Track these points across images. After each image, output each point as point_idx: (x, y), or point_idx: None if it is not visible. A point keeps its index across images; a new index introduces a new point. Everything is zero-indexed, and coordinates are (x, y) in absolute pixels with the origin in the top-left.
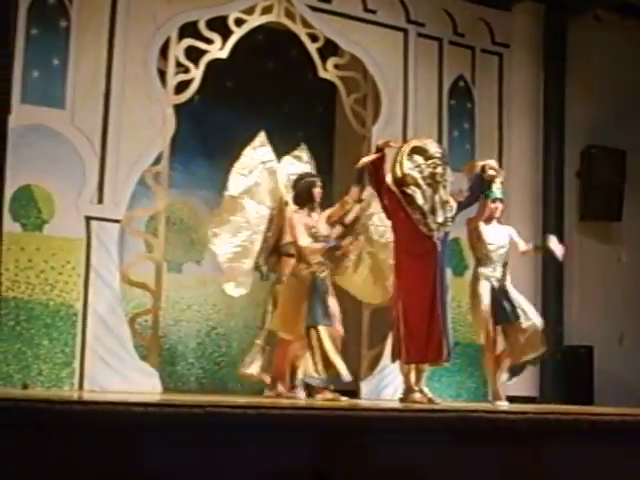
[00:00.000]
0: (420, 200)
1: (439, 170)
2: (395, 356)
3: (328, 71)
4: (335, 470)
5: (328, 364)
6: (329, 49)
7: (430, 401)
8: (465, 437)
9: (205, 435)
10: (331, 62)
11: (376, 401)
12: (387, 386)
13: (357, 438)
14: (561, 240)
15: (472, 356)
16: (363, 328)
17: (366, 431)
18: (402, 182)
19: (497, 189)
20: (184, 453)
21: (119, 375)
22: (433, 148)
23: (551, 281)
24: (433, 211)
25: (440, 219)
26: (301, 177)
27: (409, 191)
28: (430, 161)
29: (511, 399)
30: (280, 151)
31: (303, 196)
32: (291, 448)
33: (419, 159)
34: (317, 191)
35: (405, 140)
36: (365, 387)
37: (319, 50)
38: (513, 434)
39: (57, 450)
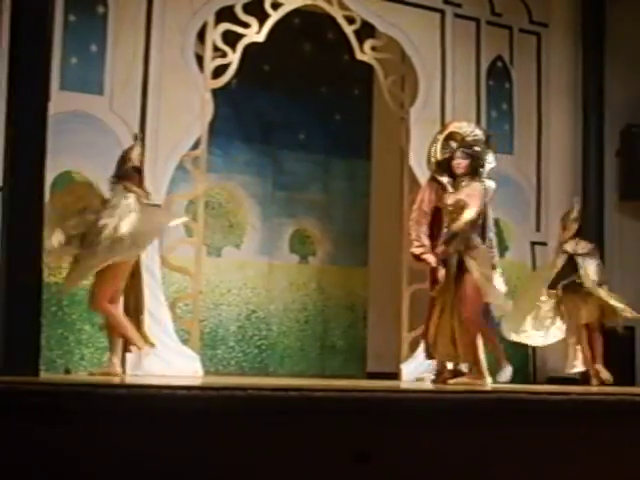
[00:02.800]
0: (450, 188)
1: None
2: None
3: (365, 53)
4: (377, 452)
5: None
6: (366, 31)
7: (470, 383)
8: (506, 418)
9: (247, 418)
10: (368, 44)
11: (417, 383)
12: (428, 368)
13: (399, 420)
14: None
15: None
16: (403, 311)
17: (407, 413)
18: (436, 169)
19: None
20: (227, 436)
21: (160, 359)
22: (471, 134)
23: None
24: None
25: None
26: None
27: (440, 178)
28: (467, 148)
29: (553, 380)
30: (317, 135)
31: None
32: (333, 430)
33: (454, 145)
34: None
35: (443, 122)
36: (406, 369)
37: (356, 32)
38: (555, 415)
39: (101, 434)
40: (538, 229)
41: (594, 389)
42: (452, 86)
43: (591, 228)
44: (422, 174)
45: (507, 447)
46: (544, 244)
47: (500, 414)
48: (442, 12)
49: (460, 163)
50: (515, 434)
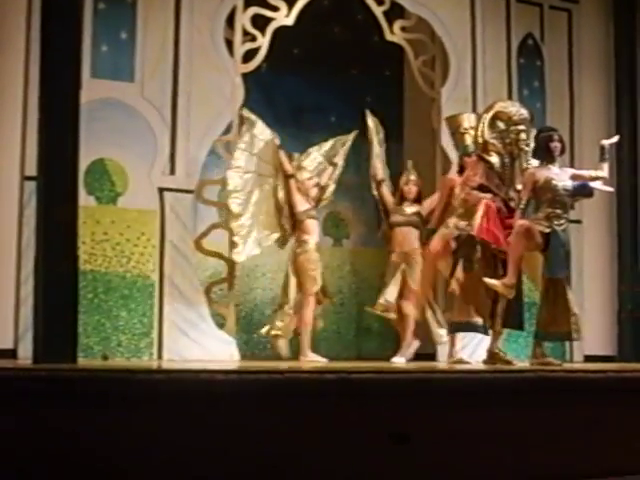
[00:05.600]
0: (499, 168)
1: (522, 136)
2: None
3: (395, 34)
4: (415, 432)
5: None
6: (395, 12)
7: (508, 362)
8: (544, 397)
9: (285, 401)
10: (398, 25)
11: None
12: (464, 348)
13: (436, 401)
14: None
15: None
16: (439, 292)
17: (445, 393)
18: (483, 149)
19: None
20: (265, 419)
21: (197, 344)
22: (517, 113)
23: (627, 238)
24: (512, 179)
25: (520, 186)
26: (540, 131)
27: (489, 158)
28: (513, 127)
29: (589, 358)
30: (348, 116)
31: (540, 150)
32: (371, 412)
33: (501, 125)
34: (554, 145)
35: (475, 101)
36: (442, 350)
37: (385, 13)
38: (592, 393)
39: (140, 419)
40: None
41: (630, 366)
42: (483, 65)
43: (626, 205)
44: (454, 154)
45: (545, 425)
46: (579, 222)
47: (538, 393)
48: None
49: (557, 146)
50: (553, 412)
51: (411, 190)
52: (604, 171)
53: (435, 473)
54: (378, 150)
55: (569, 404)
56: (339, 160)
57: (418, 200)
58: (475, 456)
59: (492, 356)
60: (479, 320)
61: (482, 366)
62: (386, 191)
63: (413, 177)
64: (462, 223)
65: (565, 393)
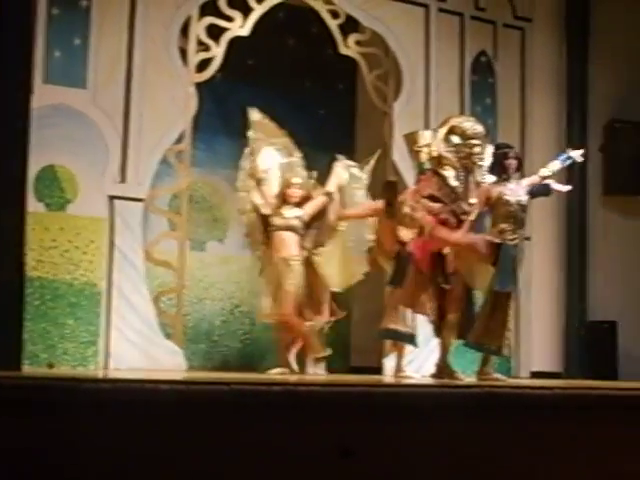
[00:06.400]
0: (453, 182)
1: (476, 150)
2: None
3: (349, 47)
4: (361, 447)
5: None
6: (350, 25)
7: (455, 377)
8: (491, 413)
9: (230, 412)
10: (352, 38)
11: (399, 378)
12: (411, 362)
13: (382, 415)
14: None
15: None
16: (385, 306)
17: (391, 408)
18: (437, 163)
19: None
20: (210, 431)
21: (144, 353)
22: (472, 128)
23: (575, 256)
24: (466, 193)
25: (473, 200)
26: (497, 147)
27: (443, 172)
28: (468, 142)
29: (536, 374)
30: (301, 128)
31: (496, 167)
32: (317, 425)
33: (456, 139)
34: (509, 162)
35: (427, 116)
36: (388, 364)
37: (340, 26)
38: (539, 410)
39: (85, 428)
40: None
41: (576, 383)
42: (436, 81)
43: (574, 223)
44: (405, 168)
45: (492, 441)
46: (528, 239)
47: (485, 408)
48: (426, 7)
49: (511, 163)
50: (500, 428)
51: (294, 193)
52: (552, 166)
53: None
54: (257, 146)
55: (516, 420)
56: (363, 177)
57: (300, 204)
58: (421, 471)
59: (440, 370)
60: (408, 330)
61: (429, 380)
62: (266, 192)
63: (297, 180)
64: (408, 232)
65: (512, 409)
